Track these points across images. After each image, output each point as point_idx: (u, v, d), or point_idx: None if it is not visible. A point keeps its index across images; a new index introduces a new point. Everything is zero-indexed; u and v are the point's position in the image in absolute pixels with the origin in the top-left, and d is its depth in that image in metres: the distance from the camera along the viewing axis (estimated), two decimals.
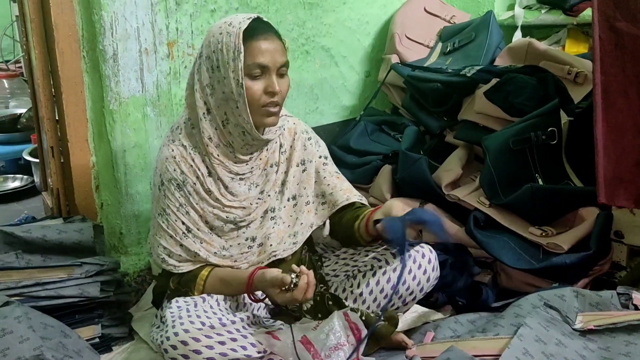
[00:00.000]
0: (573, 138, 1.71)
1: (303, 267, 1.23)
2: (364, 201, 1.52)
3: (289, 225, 1.46)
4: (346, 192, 1.50)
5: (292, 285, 1.19)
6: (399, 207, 1.32)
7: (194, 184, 1.36)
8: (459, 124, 2.03)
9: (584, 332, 1.25)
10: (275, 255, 1.42)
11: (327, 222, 1.53)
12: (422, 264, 1.44)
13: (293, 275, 1.20)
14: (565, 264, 1.48)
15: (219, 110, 1.33)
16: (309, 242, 1.55)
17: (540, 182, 1.67)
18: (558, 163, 1.71)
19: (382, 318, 1.40)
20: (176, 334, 1.17)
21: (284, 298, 1.21)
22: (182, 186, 1.35)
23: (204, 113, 1.35)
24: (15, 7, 3.71)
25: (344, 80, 2.33)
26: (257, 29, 1.29)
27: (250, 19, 1.29)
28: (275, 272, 1.24)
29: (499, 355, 1.20)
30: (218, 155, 1.36)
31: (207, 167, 1.36)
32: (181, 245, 1.36)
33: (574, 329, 1.26)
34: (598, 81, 1.34)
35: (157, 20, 1.74)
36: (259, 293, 1.30)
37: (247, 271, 1.31)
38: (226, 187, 1.38)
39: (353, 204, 1.49)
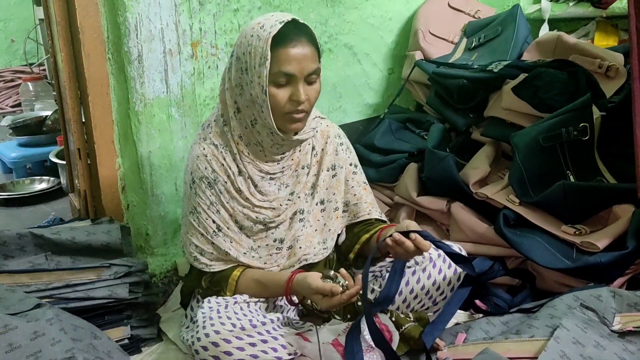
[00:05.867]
0: (605, 134, 1.66)
1: (343, 271, 1.22)
2: (384, 218, 1.52)
3: (316, 230, 1.45)
4: (369, 206, 1.50)
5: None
6: (412, 225, 1.27)
7: (225, 182, 1.35)
8: (485, 121, 1.99)
9: (622, 334, 1.21)
10: (306, 260, 1.41)
11: (344, 229, 1.52)
12: (453, 263, 1.42)
13: (342, 283, 1.19)
14: (601, 263, 1.43)
15: (248, 110, 1.32)
16: (335, 243, 1.54)
17: (572, 179, 1.63)
18: (590, 159, 1.66)
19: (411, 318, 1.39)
20: (207, 335, 1.17)
21: (330, 303, 1.19)
22: (213, 184, 1.35)
23: (234, 112, 1.34)
24: (39, 11, 3.80)
25: (367, 78, 2.31)
26: (288, 34, 1.23)
27: (283, 23, 1.24)
28: (317, 278, 1.21)
29: (535, 357, 1.17)
30: (248, 153, 1.35)
31: (237, 166, 1.36)
32: (212, 243, 1.36)
33: (612, 331, 1.22)
34: (637, 75, 1.29)
35: (180, 21, 1.74)
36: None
37: (285, 274, 1.30)
38: (256, 186, 1.37)
39: (369, 219, 1.48)
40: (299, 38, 1.25)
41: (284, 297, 1.31)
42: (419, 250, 1.20)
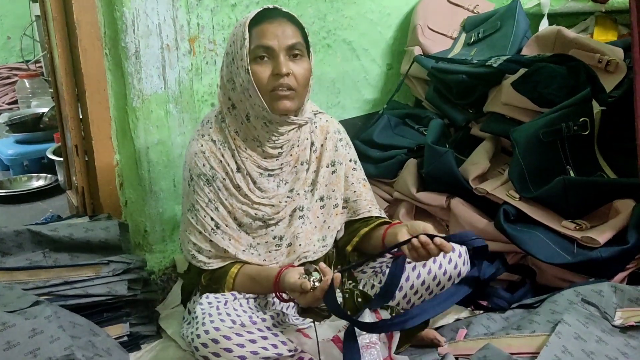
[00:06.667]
0: (606, 128, 1.66)
1: (322, 264, 1.18)
2: (384, 215, 1.51)
3: (315, 227, 1.44)
4: (369, 204, 1.49)
5: (312, 288, 1.14)
6: (430, 228, 1.23)
7: (224, 179, 1.34)
8: (484, 116, 1.99)
9: (624, 329, 1.21)
10: (305, 257, 1.40)
11: (342, 226, 1.51)
12: (453, 258, 1.41)
13: (313, 277, 1.15)
14: (602, 258, 1.43)
15: (242, 104, 1.32)
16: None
17: (572, 175, 1.62)
18: (590, 154, 1.66)
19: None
20: (207, 332, 1.16)
21: (305, 300, 1.16)
22: (211, 181, 1.34)
23: (229, 108, 1.35)
24: (35, 8, 3.78)
25: (366, 74, 2.30)
26: (265, 15, 1.27)
27: (263, 8, 1.28)
28: (295, 276, 1.18)
29: (536, 353, 1.17)
30: (246, 149, 1.35)
31: (236, 162, 1.35)
32: (210, 241, 1.35)
33: (613, 326, 1.22)
34: (638, 69, 1.29)
35: (178, 16, 1.72)
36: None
37: (276, 270, 1.29)
38: (255, 183, 1.36)
39: (369, 217, 1.47)
40: (277, 17, 1.27)
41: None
42: (438, 253, 1.19)
